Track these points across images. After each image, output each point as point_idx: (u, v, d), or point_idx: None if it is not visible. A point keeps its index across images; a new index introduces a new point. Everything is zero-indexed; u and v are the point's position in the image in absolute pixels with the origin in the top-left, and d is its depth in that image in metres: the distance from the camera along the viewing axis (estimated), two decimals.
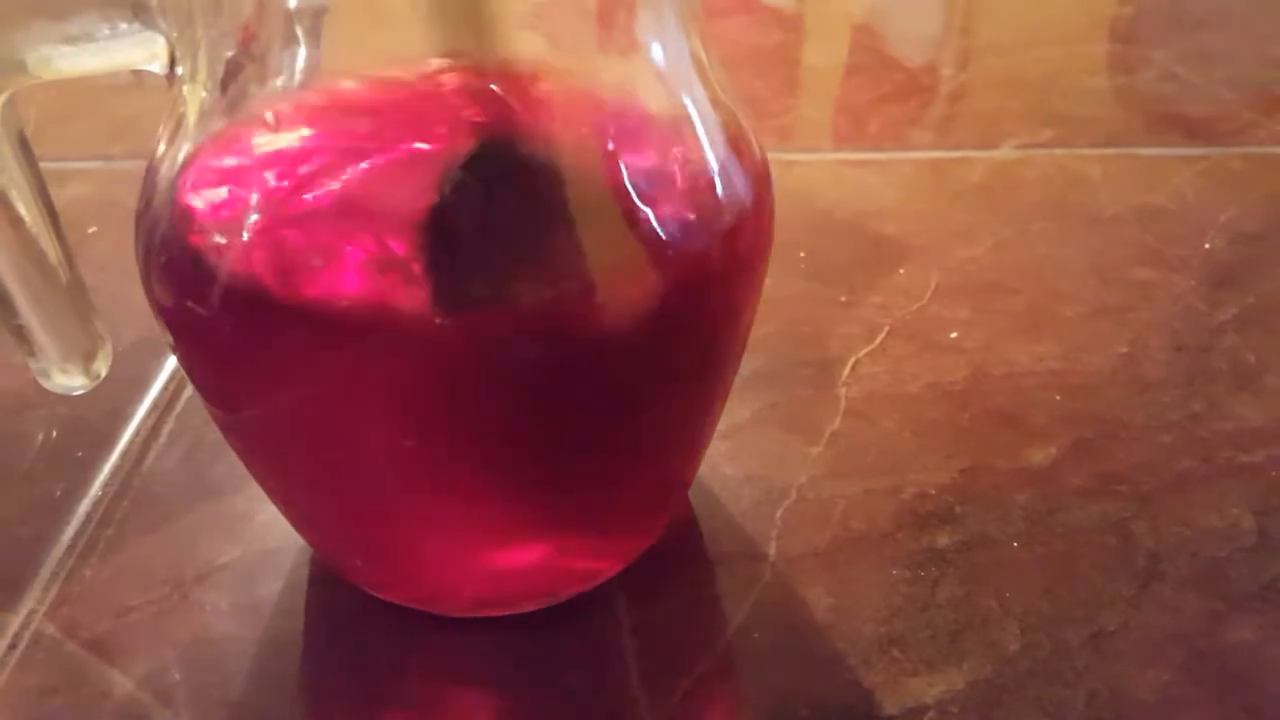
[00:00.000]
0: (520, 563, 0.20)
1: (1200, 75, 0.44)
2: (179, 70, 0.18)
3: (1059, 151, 0.38)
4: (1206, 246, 0.33)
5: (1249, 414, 0.27)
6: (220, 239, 0.16)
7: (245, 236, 0.16)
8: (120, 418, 0.27)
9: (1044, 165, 0.38)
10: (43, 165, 0.19)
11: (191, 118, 0.17)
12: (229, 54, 0.17)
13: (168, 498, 0.25)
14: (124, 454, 0.26)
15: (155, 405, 0.27)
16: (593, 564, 0.22)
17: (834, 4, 0.54)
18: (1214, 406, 0.27)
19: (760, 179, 0.19)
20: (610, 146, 0.17)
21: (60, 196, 0.20)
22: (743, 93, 0.47)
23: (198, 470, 0.25)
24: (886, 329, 0.30)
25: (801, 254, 0.33)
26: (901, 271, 0.32)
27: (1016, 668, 0.21)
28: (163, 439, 0.26)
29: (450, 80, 0.18)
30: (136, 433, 0.26)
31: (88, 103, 0.18)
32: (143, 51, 0.18)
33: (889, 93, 0.44)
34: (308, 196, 0.16)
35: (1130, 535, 0.24)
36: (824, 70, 0.47)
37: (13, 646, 0.21)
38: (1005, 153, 0.39)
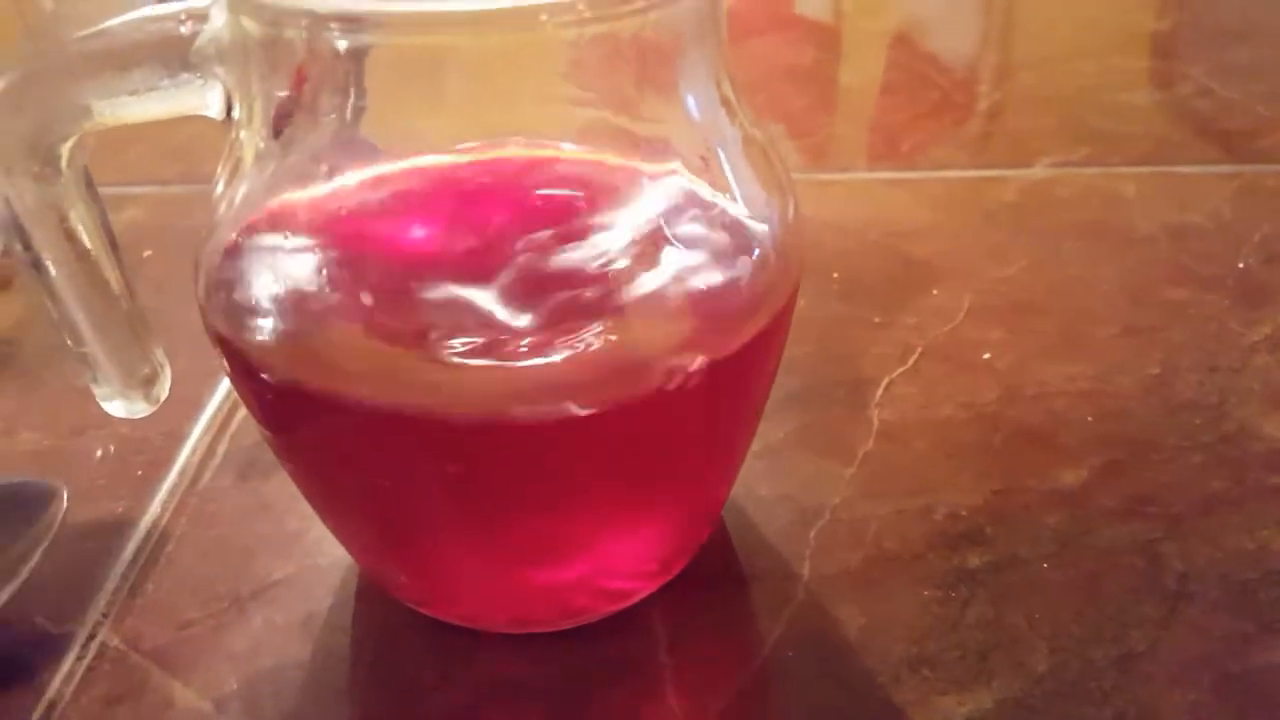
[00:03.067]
0: (558, 583, 0.21)
1: (1236, 90, 0.44)
2: (235, 115, 0.19)
3: (1093, 170, 0.39)
4: (1240, 266, 0.33)
5: None
6: (277, 286, 0.17)
7: (299, 283, 0.17)
8: (177, 438, 0.28)
9: (1078, 183, 0.38)
10: (99, 189, 0.20)
11: (249, 160, 0.18)
12: (281, 98, 0.18)
13: (223, 515, 0.26)
14: (181, 472, 0.27)
15: (210, 425, 0.28)
16: (629, 584, 0.22)
17: (870, 21, 0.54)
18: (1245, 428, 0.27)
19: (792, 217, 0.20)
20: (649, 210, 0.18)
21: (116, 220, 0.21)
22: (777, 112, 0.47)
23: (252, 489, 0.26)
24: (919, 350, 0.30)
25: (835, 274, 0.34)
26: (935, 292, 0.33)
27: (1044, 688, 0.21)
28: (218, 458, 0.27)
29: (496, 150, 0.19)
30: (193, 452, 0.28)
31: (142, 128, 0.19)
32: (200, 98, 0.19)
33: (924, 111, 0.44)
34: (361, 251, 0.17)
35: (1160, 557, 0.24)
36: (859, 89, 0.48)
37: (80, 658, 0.23)
38: (1039, 171, 0.39)
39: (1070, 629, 0.22)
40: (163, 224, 0.37)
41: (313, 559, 0.24)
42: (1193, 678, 0.21)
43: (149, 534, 0.25)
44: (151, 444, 0.28)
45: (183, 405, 0.29)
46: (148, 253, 0.35)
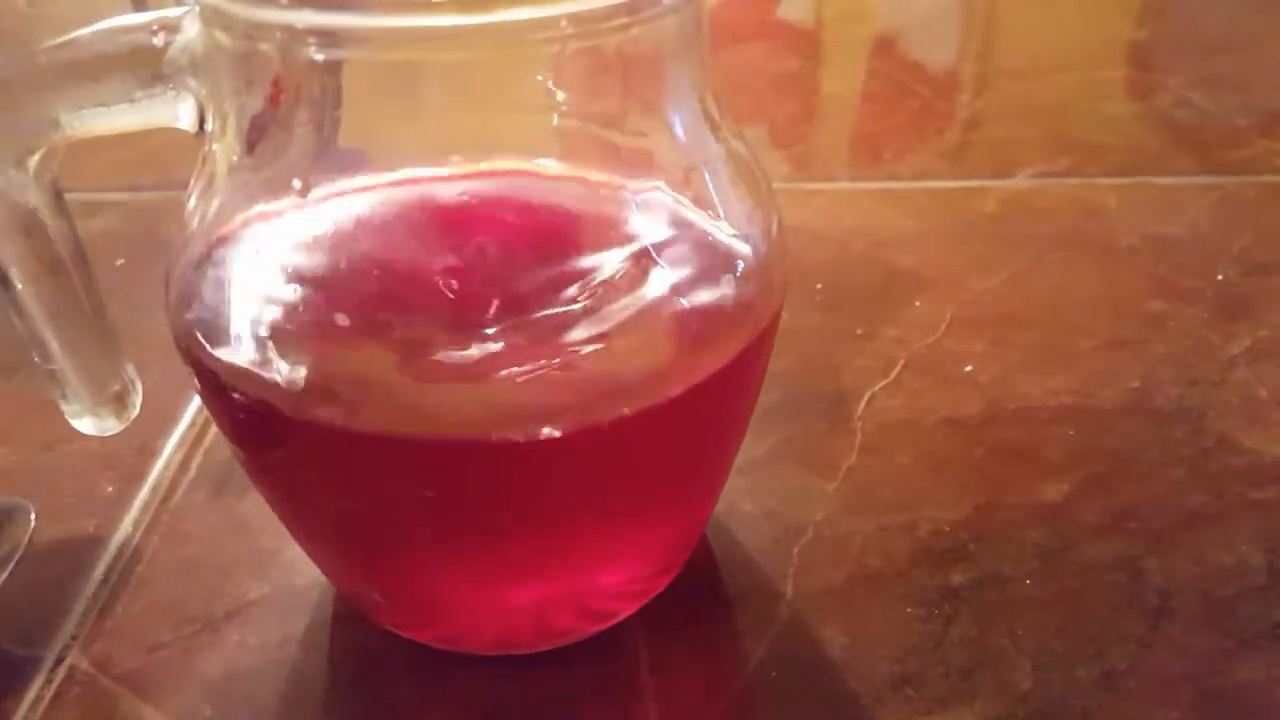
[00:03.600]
0: (539, 604, 0.21)
1: (1215, 102, 0.44)
2: (209, 127, 0.18)
3: (1074, 181, 0.39)
4: (1219, 278, 0.33)
5: (1260, 449, 0.27)
6: (248, 303, 0.17)
7: (271, 301, 0.17)
8: (150, 453, 0.27)
9: (1059, 194, 0.38)
10: (70, 197, 0.20)
11: (221, 174, 0.18)
12: (255, 110, 0.18)
13: (197, 533, 0.25)
14: (154, 489, 0.26)
15: (184, 440, 0.28)
16: (611, 604, 0.22)
17: (852, 28, 0.54)
18: (1224, 441, 0.27)
19: (775, 233, 0.19)
20: (632, 228, 0.18)
21: (88, 228, 0.20)
22: (760, 120, 0.47)
23: (226, 505, 0.26)
24: (902, 362, 0.30)
25: (818, 286, 0.33)
26: (917, 304, 0.33)
27: (1028, 706, 0.21)
28: (191, 474, 0.27)
29: (476, 165, 0.19)
30: (166, 467, 0.27)
31: (116, 135, 0.19)
32: (172, 110, 0.18)
33: (905, 121, 0.44)
34: (335, 268, 0.17)
35: (1141, 573, 0.24)
36: (841, 97, 0.48)
37: (48, 682, 0.22)
38: (1020, 182, 0.39)
39: (1053, 646, 0.22)
40: (136, 232, 0.36)
41: (288, 578, 0.24)
42: (1174, 695, 0.21)
43: (120, 553, 0.25)
44: (123, 459, 0.27)
45: (156, 419, 0.28)
46: (120, 261, 0.34)
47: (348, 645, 0.23)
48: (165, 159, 0.39)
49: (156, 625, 0.23)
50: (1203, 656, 0.22)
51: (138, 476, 0.27)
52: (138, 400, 0.22)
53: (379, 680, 0.22)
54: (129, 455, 0.27)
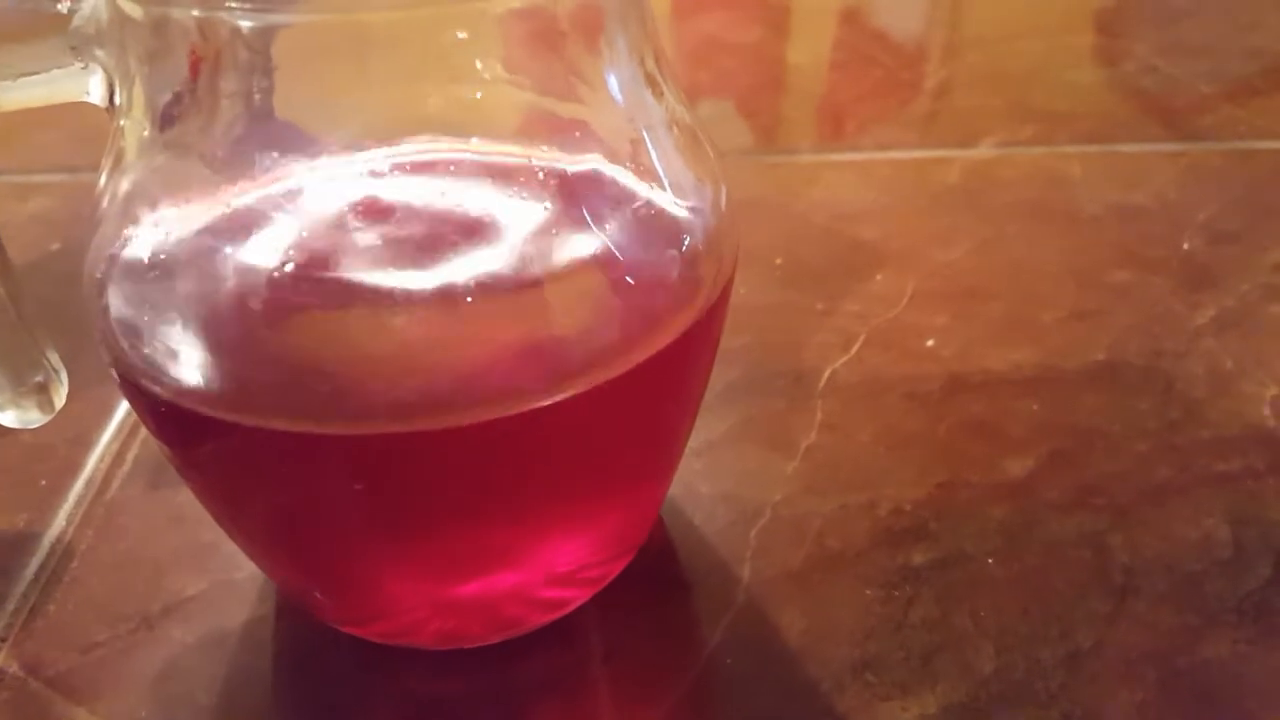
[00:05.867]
0: (487, 596, 0.20)
1: (1181, 68, 0.43)
2: (118, 101, 0.17)
3: (1038, 149, 0.38)
4: (1185, 247, 0.33)
5: (1226, 421, 0.27)
6: (159, 292, 0.16)
7: (188, 288, 0.16)
8: (85, 444, 0.26)
9: (1024, 164, 0.37)
10: (4, 178, 0.19)
11: (131, 152, 0.17)
12: (176, 85, 0.17)
13: (133, 527, 0.24)
14: (89, 482, 0.25)
15: (120, 430, 0.27)
16: (562, 592, 0.21)
17: None
18: (1191, 414, 0.27)
19: (724, 204, 0.19)
20: (565, 187, 0.17)
21: (22, 211, 0.19)
22: (723, 91, 0.46)
23: (163, 498, 0.25)
24: (862, 338, 0.29)
25: (778, 260, 0.33)
26: (879, 277, 0.32)
27: (990, 690, 0.21)
28: (128, 465, 0.26)
29: (407, 139, 0.18)
30: (101, 459, 0.26)
31: (50, 113, 0.18)
32: (81, 84, 0.17)
33: (870, 90, 0.43)
34: (250, 248, 0.16)
35: (1106, 549, 0.23)
36: (806, 68, 0.47)
37: None
38: (985, 151, 0.38)
39: (1016, 627, 0.22)
40: (72, 214, 0.35)
41: (228, 573, 0.23)
42: (1139, 675, 0.21)
43: (53, 549, 0.24)
44: (56, 451, 0.26)
45: (91, 408, 0.27)
46: (56, 245, 0.33)
47: (290, 642, 0.22)
48: (103, 139, 0.38)
49: (90, 624, 0.22)
50: (1169, 634, 0.22)
51: (71, 469, 0.26)
52: (63, 391, 0.21)
53: (322, 677, 0.21)
54: (63, 447, 0.26)
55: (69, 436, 0.26)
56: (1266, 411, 0.27)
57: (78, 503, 0.25)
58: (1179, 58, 0.44)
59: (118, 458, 0.26)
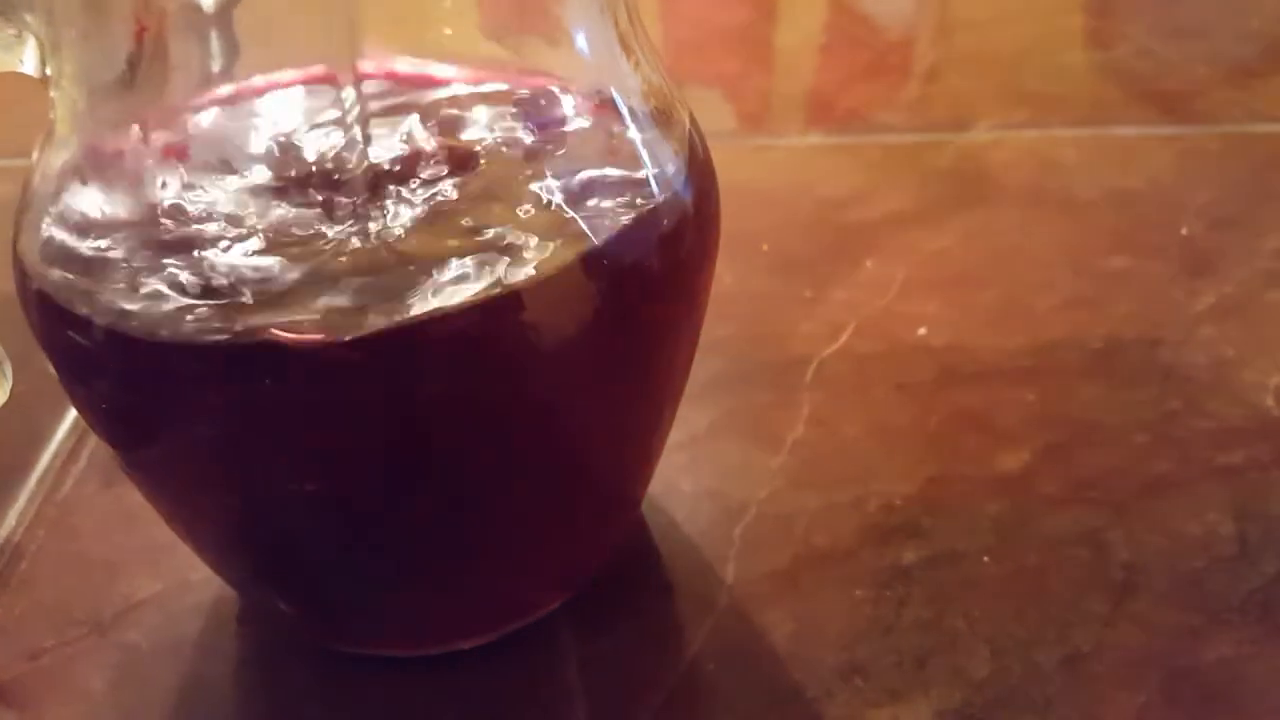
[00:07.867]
0: (455, 600, 0.19)
1: (1176, 50, 0.42)
2: (49, 71, 0.16)
3: (1032, 133, 0.37)
4: (1183, 232, 0.32)
5: (1227, 411, 0.26)
6: (95, 267, 0.15)
7: (123, 264, 0.15)
8: (37, 440, 0.25)
9: (1017, 147, 0.36)
10: None
11: (63, 125, 0.16)
12: (109, 53, 0.16)
13: (85, 527, 0.23)
14: (40, 480, 0.24)
15: (75, 426, 0.26)
16: (535, 595, 0.20)
17: None
18: (1191, 404, 0.26)
19: (701, 172, 0.17)
20: (531, 143, 0.16)
21: None
22: (709, 74, 0.45)
23: (117, 497, 0.24)
24: (851, 327, 0.28)
25: (765, 247, 0.32)
26: (868, 264, 0.31)
27: (985, 695, 0.20)
28: (82, 462, 0.25)
29: (357, 79, 0.16)
30: (55, 456, 0.25)
31: (9, 95, 0.17)
32: (12, 53, 0.16)
33: (861, 72, 0.42)
34: (190, 221, 0.15)
35: (1105, 546, 0.22)
36: (795, 50, 0.46)
37: None
38: (978, 135, 0.37)
39: (1012, 629, 0.21)
40: None
41: (184, 575, 0.22)
42: (1141, 678, 0.20)
43: (1, 551, 0.23)
44: (6, 448, 0.25)
45: (46, 401, 0.26)
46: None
47: (249, 649, 0.21)
48: None
49: (39, 630, 0.21)
50: (1171, 635, 0.21)
51: (23, 466, 0.25)
52: (7, 385, 0.20)
53: (283, 687, 0.20)
54: (14, 443, 0.25)
55: (21, 432, 0.25)
56: (1270, 400, 0.26)
57: (29, 501, 0.24)
58: (1174, 40, 0.43)
59: (71, 455, 0.25)
